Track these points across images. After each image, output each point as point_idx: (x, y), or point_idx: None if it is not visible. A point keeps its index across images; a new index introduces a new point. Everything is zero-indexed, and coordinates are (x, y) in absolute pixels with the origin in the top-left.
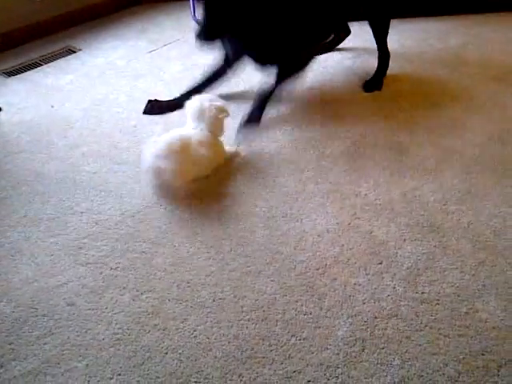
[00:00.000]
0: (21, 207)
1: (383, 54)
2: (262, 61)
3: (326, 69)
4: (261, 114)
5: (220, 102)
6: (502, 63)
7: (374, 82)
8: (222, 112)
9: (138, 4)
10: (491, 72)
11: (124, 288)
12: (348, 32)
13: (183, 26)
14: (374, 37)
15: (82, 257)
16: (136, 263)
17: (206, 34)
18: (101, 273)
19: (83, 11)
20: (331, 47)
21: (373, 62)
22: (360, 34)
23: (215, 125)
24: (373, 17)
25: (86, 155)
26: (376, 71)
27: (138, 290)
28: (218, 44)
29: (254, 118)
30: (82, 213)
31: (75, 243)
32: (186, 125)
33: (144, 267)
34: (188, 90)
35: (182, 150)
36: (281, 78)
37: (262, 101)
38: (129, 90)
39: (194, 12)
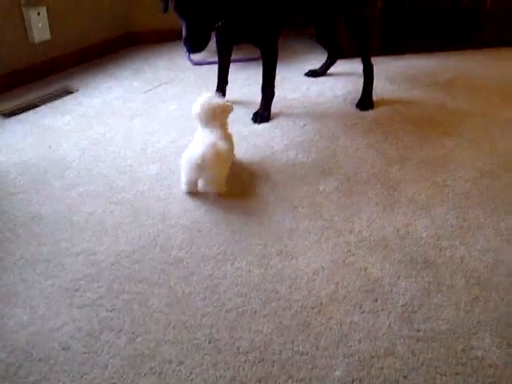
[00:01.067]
0: (17, 249)
1: (367, 65)
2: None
3: (313, 97)
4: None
5: (222, 99)
6: (488, 98)
7: (367, 99)
8: (229, 108)
9: (132, 45)
10: (478, 107)
11: (120, 330)
12: (338, 52)
13: (177, 66)
14: (357, 44)
15: (77, 299)
16: (132, 305)
17: (196, 46)
18: (96, 315)
19: (80, 53)
20: (324, 71)
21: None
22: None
23: (225, 121)
24: (350, 16)
25: (83, 195)
26: (364, 87)
27: (133, 333)
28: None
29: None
30: (78, 254)
31: (71, 285)
32: (198, 128)
33: (140, 309)
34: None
35: (218, 159)
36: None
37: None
38: (125, 130)
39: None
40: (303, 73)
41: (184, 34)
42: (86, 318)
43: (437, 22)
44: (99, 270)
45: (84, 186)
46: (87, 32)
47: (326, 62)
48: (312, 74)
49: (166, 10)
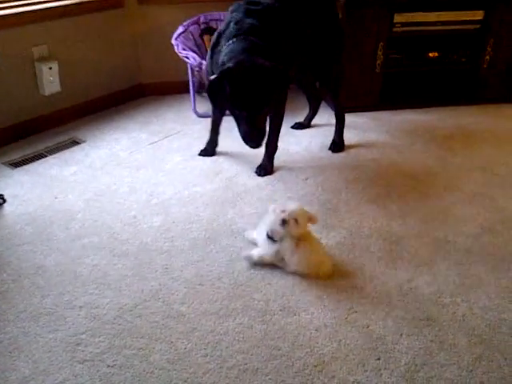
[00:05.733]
0: (21, 301)
1: (338, 112)
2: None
3: (314, 151)
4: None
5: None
6: (488, 154)
7: (339, 141)
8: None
9: (141, 97)
10: (478, 163)
11: None
12: (318, 103)
13: (184, 119)
14: (328, 94)
15: (79, 353)
16: (133, 360)
17: (260, 139)
18: (98, 371)
19: (88, 104)
20: (308, 123)
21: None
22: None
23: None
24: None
25: (87, 247)
26: (337, 129)
27: None
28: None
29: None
30: (80, 307)
31: (73, 339)
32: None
33: (141, 364)
34: None
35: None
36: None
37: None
38: (130, 181)
39: (194, 105)
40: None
41: (245, 128)
42: (88, 374)
43: (435, 78)
44: (101, 324)
45: (88, 238)
46: (96, 84)
47: (308, 114)
48: (298, 126)
49: (222, 113)
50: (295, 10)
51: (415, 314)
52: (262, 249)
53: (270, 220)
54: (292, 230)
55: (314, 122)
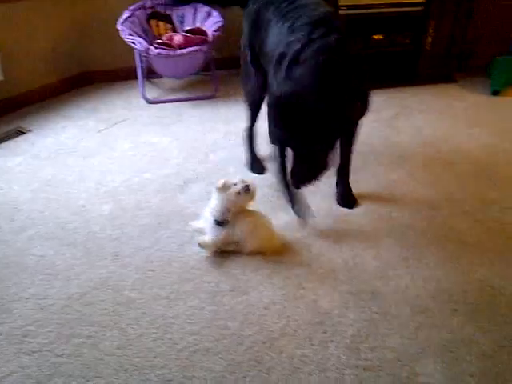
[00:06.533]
0: None
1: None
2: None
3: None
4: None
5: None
6: (430, 133)
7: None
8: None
9: (88, 84)
10: (421, 141)
11: (70, 376)
12: None
13: (133, 105)
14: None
15: (26, 345)
16: (82, 349)
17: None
18: (46, 361)
19: (33, 93)
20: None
21: None
22: None
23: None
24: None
25: (34, 238)
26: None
27: (84, 377)
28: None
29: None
30: (27, 298)
31: (20, 331)
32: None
33: (90, 352)
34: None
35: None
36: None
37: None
38: (78, 170)
39: (143, 91)
40: None
41: (296, 169)
42: (35, 365)
43: (381, 60)
44: (49, 314)
45: (35, 229)
46: (41, 72)
47: None
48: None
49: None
50: None
51: (360, 288)
52: (212, 235)
53: (216, 204)
54: (254, 195)
55: None
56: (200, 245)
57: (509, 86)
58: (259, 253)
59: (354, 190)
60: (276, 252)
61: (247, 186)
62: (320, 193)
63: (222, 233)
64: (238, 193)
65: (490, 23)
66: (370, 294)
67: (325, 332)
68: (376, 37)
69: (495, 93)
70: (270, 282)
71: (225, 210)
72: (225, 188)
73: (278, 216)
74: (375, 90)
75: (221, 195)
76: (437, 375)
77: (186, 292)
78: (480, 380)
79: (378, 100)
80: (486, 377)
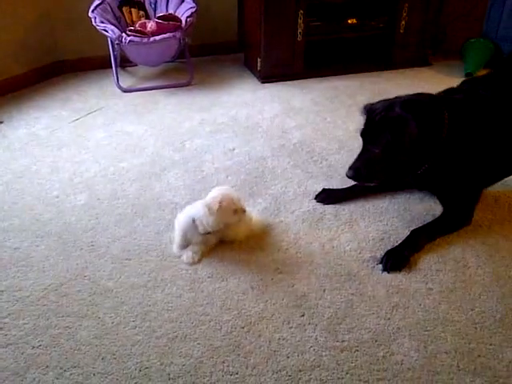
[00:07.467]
0: None
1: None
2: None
3: (241, 121)
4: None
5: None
6: None
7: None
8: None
9: (61, 74)
10: None
11: (47, 367)
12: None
13: (107, 94)
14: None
15: (1, 338)
16: (59, 339)
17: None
18: (22, 353)
19: (4, 84)
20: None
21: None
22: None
23: None
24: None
25: (7, 230)
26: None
27: (61, 368)
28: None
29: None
30: (2, 291)
31: None
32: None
33: (67, 343)
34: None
35: None
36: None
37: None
38: (52, 161)
39: (117, 79)
40: (231, 97)
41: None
42: (12, 357)
43: (356, 45)
44: (25, 306)
45: (8, 221)
46: (10, 63)
47: None
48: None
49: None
50: None
51: (337, 271)
52: (198, 245)
53: (212, 220)
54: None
55: None
56: (190, 264)
57: (481, 67)
58: (237, 239)
59: (332, 172)
60: (254, 238)
61: (243, 209)
62: (299, 178)
63: (212, 240)
64: (235, 210)
65: (463, 6)
66: (346, 276)
67: (302, 315)
68: (350, 21)
69: (468, 75)
70: (248, 268)
71: (220, 224)
72: (221, 208)
73: (256, 202)
74: (352, 75)
75: (217, 213)
76: (412, 353)
77: (163, 280)
78: (455, 357)
79: (353, 85)
80: (460, 354)
